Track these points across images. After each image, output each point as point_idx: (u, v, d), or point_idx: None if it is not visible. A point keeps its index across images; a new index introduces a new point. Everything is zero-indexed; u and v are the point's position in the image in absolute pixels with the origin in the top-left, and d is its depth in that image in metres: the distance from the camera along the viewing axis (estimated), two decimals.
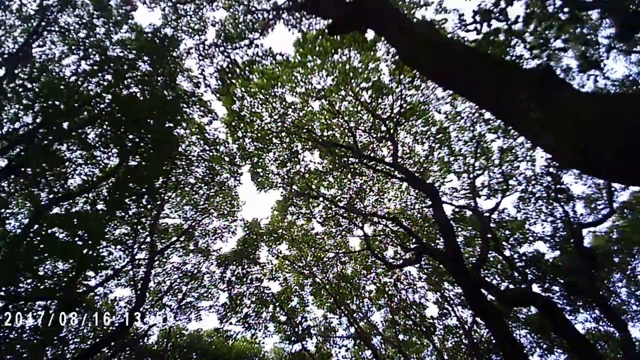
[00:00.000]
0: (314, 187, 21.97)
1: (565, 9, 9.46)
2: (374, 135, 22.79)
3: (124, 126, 14.94)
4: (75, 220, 13.85)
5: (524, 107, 4.66)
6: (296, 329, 25.87)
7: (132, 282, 19.85)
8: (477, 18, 8.99)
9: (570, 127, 4.11)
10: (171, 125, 16.95)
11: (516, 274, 23.39)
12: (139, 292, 19.05)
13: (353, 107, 22.66)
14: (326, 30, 12.00)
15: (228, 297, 23.81)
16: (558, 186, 22.55)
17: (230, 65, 18.36)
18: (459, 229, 25.33)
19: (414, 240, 18.71)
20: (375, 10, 8.02)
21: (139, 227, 19.40)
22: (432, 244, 23.31)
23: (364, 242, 22.18)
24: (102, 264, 17.09)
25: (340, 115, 21.65)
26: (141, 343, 21.39)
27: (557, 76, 4.68)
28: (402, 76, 21.61)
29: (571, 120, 4.12)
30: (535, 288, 23.53)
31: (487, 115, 22.97)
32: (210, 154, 20.05)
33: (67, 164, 15.92)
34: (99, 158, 16.21)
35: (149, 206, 18.54)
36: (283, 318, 25.71)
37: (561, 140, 4.22)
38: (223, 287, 23.86)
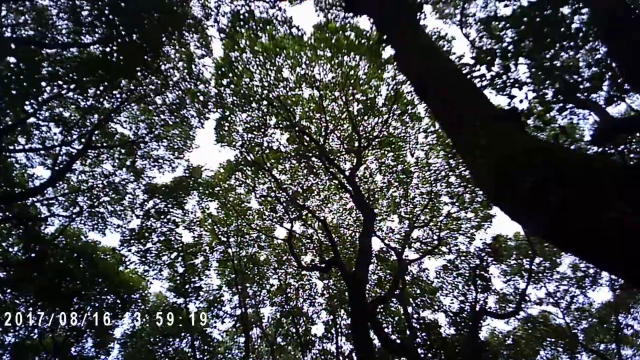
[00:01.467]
0: (268, 165, 21.82)
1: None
2: (345, 146, 22.89)
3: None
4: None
5: (474, 136, 4.85)
6: (187, 286, 25.59)
7: (54, 165, 19.23)
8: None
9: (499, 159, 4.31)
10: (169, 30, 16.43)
11: (408, 332, 23.77)
12: (54, 176, 18.52)
13: (339, 111, 22.73)
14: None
15: (139, 226, 23.32)
16: (482, 272, 23.04)
17: (246, 14, 18.14)
18: (378, 267, 25.62)
19: (332, 254, 18.81)
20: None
21: (87, 116, 18.89)
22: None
23: (287, 236, 22.12)
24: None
25: (324, 113, 21.65)
26: (35, 227, 20.64)
27: (519, 116, 4.92)
28: (395, 106, 21.84)
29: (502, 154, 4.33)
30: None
31: (452, 179, 23.47)
32: (188, 85, 19.67)
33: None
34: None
35: (105, 99, 18.14)
36: (180, 269, 25.37)
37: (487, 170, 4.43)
38: (138, 214, 23.36)
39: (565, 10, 9.67)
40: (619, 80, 10.21)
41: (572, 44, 10.11)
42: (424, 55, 6.75)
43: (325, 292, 28.75)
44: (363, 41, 20.04)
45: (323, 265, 20.12)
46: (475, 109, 5.35)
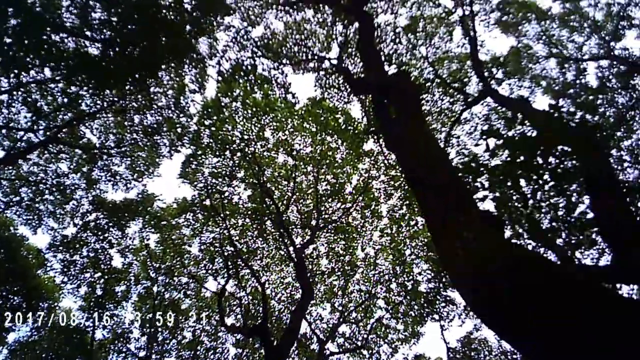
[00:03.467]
0: (222, 215, 21.49)
1: None
2: (302, 221, 22.85)
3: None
4: None
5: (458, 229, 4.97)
6: (100, 311, 24.28)
7: (11, 149, 18.68)
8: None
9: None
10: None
11: None
12: (7, 158, 18.01)
13: (307, 185, 22.87)
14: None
15: (73, 235, 22.37)
16: None
17: (249, 67, 18.54)
18: (295, 351, 24.85)
19: (259, 322, 18.23)
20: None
21: (61, 112, 18.60)
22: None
23: (218, 291, 21.33)
24: None
25: (293, 182, 21.75)
26: None
27: (503, 222, 5.09)
28: (360, 198, 22.12)
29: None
30: None
31: (393, 286, 23.47)
32: (170, 114, 19.66)
33: None
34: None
35: (85, 100, 17.98)
36: (99, 292, 24.16)
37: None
38: (77, 223, 22.47)
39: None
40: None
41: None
42: (421, 144, 6.95)
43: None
44: (349, 128, 20.54)
45: (249, 329, 19.40)
46: (462, 204, 5.48)
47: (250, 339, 25.44)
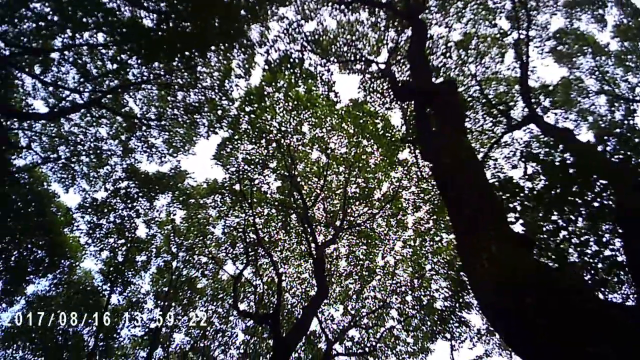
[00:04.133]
0: (249, 202, 21.58)
1: None
2: (327, 219, 22.79)
3: None
4: None
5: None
6: (118, 276, 24.74)
7: (55, 106, 19.20)
8: None
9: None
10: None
11: None
12: (51, 114, 18.49)
13: (337, 185, 22.80)
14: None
15: (103, 199, 22.91)
16: None
17: (297, 60, 18.58)
18: (303, 346, 24.85)
19: (272, 309, 18.28)
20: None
21: (108, 77, 18.95)
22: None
23: (236, 275, 21.42)
24: None
25: (323, 180, 21.70)
26: None
27: (533, 242, 5.11)
28: (388, 205, 21.93)
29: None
30: None
31: (408, 298, 23.24)
32: (213, 95, 19.84)
33: None
34: None
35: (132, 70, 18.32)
36: (120, 258, 24.62)
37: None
38: (108, 188, 22.99)
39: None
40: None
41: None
42: (461, 156, 6.91)
43: (242, 346, 27.87)
44: (387, 135, 20.37)
45: (260, 317, 19.48)
46: (491, 218, 5.47)
47: (260, 328, 25.59)
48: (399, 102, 18.02)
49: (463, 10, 18.60)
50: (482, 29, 18.78)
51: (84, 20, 14.59)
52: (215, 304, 27.69)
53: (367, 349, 24.03)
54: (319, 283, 18.46)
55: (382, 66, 17.33)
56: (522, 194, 9.59)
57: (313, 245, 20.11)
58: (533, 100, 16.02)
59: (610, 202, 8.95)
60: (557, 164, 9.60)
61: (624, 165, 8.54)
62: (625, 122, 19.45)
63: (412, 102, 11.90)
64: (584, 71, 20.99)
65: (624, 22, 20.22)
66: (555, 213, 9.77)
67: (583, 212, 9.69)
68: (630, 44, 20.38)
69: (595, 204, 9.44)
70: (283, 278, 23.94)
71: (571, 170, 8.98)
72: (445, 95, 8.91)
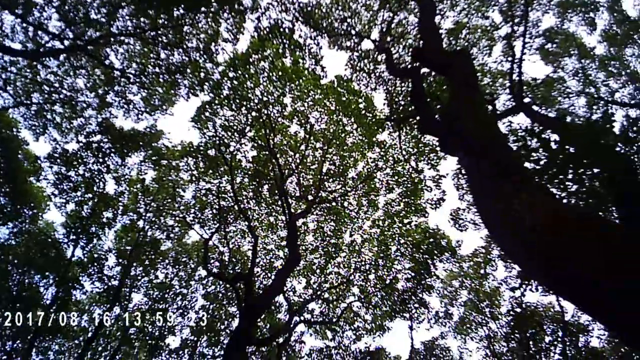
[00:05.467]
0: (222, 168, 21.50)
1: None
2: (301, 192, 22.91)
3: None
4: None
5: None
6: (80, 230, 24.38)
7: (35, 51, 18.61)
8: None
9: None
10: None
11: None
12: (30, 54, 17.96)
13: (312, 160, 22.90)
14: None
15: (74, 151, 22.32)
16: None
17: (287, 30, 18.47)
18: (264, 316, 25.11)
19: (247, 270, 18.43)
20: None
21: (91, 26, 18.43)
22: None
23: (205, 239, 21.27)
24: None
25: (298, 154, 21.79)
26: None
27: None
28: (361, 185, 22.18)
29: None
30: None
31: (371, 277, 23.71)
32: (197, 57, 19.58)
33: None
34: None
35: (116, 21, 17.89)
36: (85, 213, 24.22)
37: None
38: (80, 140, 22.43)
39: None
40: None
41: None
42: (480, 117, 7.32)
43: (200, 311, 28.08)
44: (368, 115, 20.53)
45: (233, 276, 19.59)
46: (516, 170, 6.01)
47: (221, 295, 25.80)
48: (392, 78, 18.12)
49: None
50: (474, 20, 19.03)
51: None
52: (177, 267, 27.68)
53: (326, 321, 24.48)
54: (291, 249, 18.63)
55: (372, 46, 17.47)
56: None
57: (284, 216, 20.24)
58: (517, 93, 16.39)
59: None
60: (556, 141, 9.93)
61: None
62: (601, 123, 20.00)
63: (410, 77, 12.10)
64: (568, 72, 21.49)
65: (613, 28, 20.74)
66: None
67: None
68: (615, 50, 20.97)
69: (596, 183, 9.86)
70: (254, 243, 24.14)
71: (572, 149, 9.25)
72: (460, 66, 9.22)
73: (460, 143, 7.69)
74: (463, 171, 17.84)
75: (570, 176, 7.47)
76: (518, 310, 22.85)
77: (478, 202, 7.42)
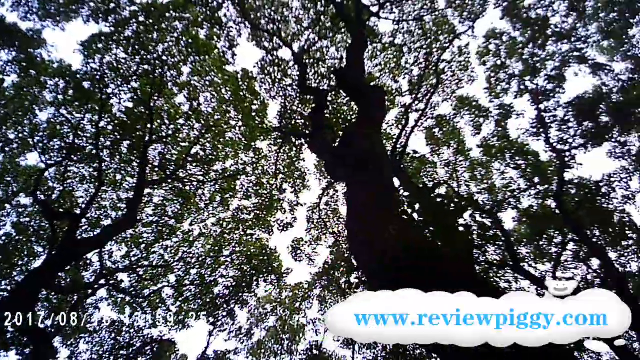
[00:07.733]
0: (90, 104, 20.07)
1: None
2: (161, 162, 22.06)
3: None
4: None
5: None
6: None
7: None
8: None
9: None
10: None
11: None
12: None
13: (185, 137, 22.23)
14: None
15: None
16: None
17: (215, 4, 18.02)
18: None
19: None
20: None
21: None
22: None
23: (37, 171, 19.63)
24: None
25: (175, 125, 21.15)
26: None
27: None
28: (225, 181, 21.93)
29: None
30: None
31: (193, 271, 23.16)
32: None
33: None
34: None
35: None
36: None
37: None
38: None
39: None
40: None
41: None
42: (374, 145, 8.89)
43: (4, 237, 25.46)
44: (257, 120, 20.47)
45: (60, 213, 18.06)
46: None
47: (33, 230, 23.78)
48: (292, 95, 18.32)
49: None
50: (384, 79, 19.92)
51: None
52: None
53: (132, 294, 23.09)
54: (130, 211, 17.79)
55: (289, 57, 17.67)
56: None
57: (138, 177, 19.24)
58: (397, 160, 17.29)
59: None
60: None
61: None
62: None
63: (317, 96, 12.49)
64: (441, 160, 22.56)
65: (492, 141, 22.44)
66: None
67: None
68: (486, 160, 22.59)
69: None
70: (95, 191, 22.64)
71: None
72: (374, 100, 9.91)
73: (350, 170, 8.32)
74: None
75: None
76: (316, 353, 23.42)
77: (352, 224, 8.08)
